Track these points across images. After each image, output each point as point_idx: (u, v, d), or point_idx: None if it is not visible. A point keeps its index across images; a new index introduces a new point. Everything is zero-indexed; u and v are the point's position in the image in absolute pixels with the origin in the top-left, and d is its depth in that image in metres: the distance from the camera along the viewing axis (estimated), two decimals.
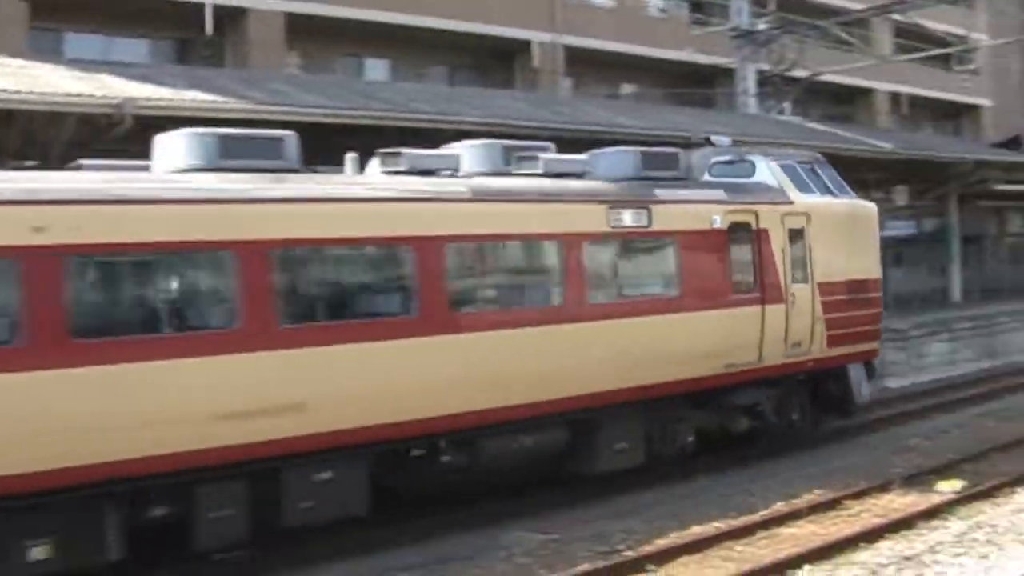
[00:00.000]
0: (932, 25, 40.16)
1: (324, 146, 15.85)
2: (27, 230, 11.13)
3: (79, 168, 13.02)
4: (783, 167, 19.44)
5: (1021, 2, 60.06)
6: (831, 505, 15.14)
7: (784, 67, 37.68)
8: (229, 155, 13.16)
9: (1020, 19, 45.67)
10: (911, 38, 44.26)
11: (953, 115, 64.52)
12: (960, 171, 35.48)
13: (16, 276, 11.07)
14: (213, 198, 12.68)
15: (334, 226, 13.53)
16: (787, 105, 40.00)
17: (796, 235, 18.85)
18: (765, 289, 18.18)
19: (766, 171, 19.23)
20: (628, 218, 16.60)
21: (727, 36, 37.96)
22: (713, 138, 20.74)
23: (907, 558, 12.20)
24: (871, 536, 13.32)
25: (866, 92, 55.61)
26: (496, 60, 41.22)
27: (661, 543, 13.54)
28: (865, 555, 12.53)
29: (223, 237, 12.53)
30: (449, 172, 15.26)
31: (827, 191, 19.88)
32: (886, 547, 12.81)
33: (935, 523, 13.92)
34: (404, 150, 15.00)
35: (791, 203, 18.96)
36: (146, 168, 13.35)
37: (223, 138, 13.34)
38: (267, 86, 20.42)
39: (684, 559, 12.93)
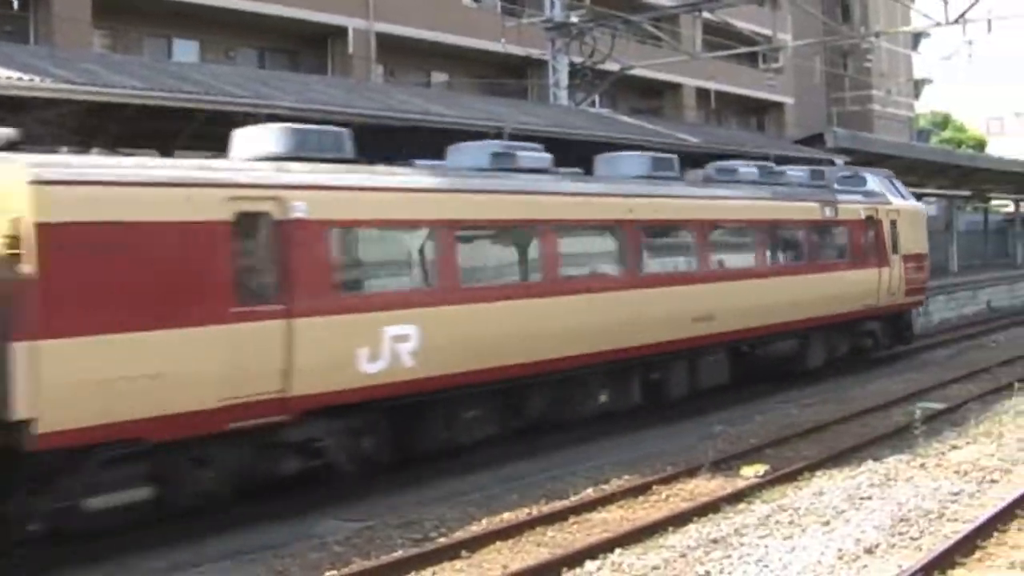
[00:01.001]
0: (740, 24, 41.10)
1: (132, 130, 15.52)
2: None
3: None
4: (880, 180, 29.95)
5: (824, 6, 62.02)
6: (641, 490, 15.38)
7: (595, 60, 38.15)
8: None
9: (823, 21, 47.05)
10: (719, 36, 45.25)
11: (758, 111, 66.34)
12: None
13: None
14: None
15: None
16: (596, 98, 40.59)
17: (892, 224, 28.53)
18: (881, 258, 27.88)
19: (874, 183, 29.46)
20: (828, 212, 26.22)
21: (540, 28, 38.25)
22: (836, 161, 31.73)
23: (714, 541, 12.49)
24: (679, 520, 13.57)
25: (675, 87, 56.80)
26: (308, 45, 40.81)
27: (474, 530, 13.60)
28: (674, 538, 12.77)
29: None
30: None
31: (901, 196, 30.29)
32: (694, 530, 13.07)
33: (741, 506, 14.27)
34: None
35: (889, 203, 28.99)
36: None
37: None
38: (76, 65, 19.78)
39: (497, 545, 12.99)
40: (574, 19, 37.57)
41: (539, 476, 16.59)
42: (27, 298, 11.82)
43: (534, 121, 27.26)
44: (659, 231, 21.11)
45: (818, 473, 16.08)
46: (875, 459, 16.73)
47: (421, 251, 16.45)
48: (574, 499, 14.96)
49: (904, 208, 29.63)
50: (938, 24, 36.93)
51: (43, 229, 11.85)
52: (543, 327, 17.65)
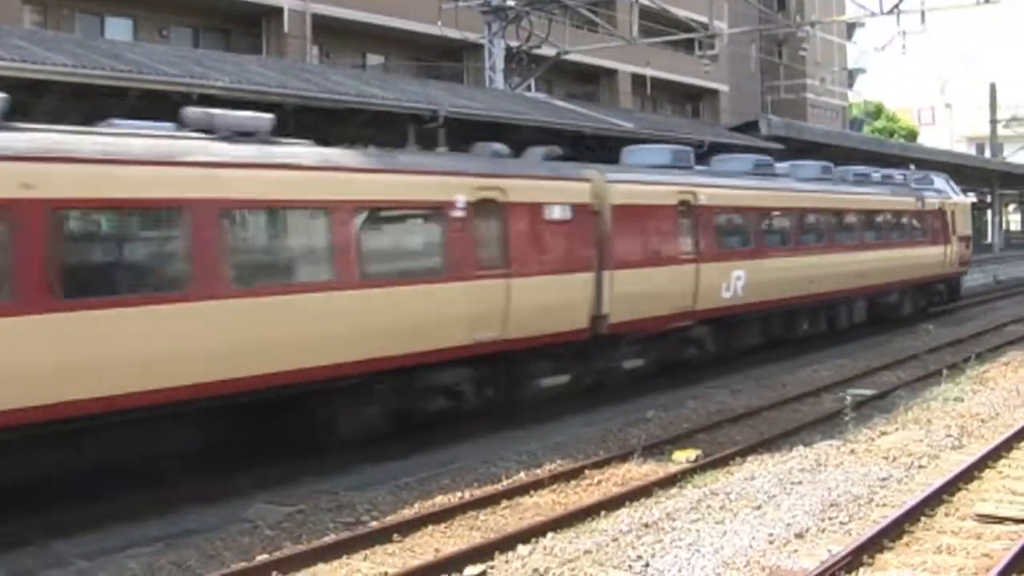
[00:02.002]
0: (677, 11, 41.23)
1: (61, 108, 15.28)
2: None
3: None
4: (943, 180, 40.08)
5: None
6: (573, 475, 15.40)
7: (532, 45, 38.14)
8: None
9: (759, 9, 47.31)
10: (656, 22, 45.37)
11: (693, 98, 66.69)
12: (698, 152, 36.51)
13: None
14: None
15: None
16: (532, 82, 40.55)
17: (952, 214, 38.04)
18: (947, 237, 37.42)
19: (939, 182, 39.47)
20: (919, 204, 35.49)
21: (477, 11, 38.16)
22: (912, 167, 39.32)
23: (646, 525, 12.55)
24: (612, 504, 13.61)
25: (610, 73, 56.96)
26: (243, 25, 40.48)
27: (406, 513, 13.56)
28: (606, 523, 12.81)
29: None
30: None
31: (955, 193, 40.17)
32: (626, 514, 13.11)
33: (673, 491, 14.33)
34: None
35: (950, 198, 38.84)
36: None
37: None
38: (5, 41, 19.45)
39: (429, 529, 12.96)
40: (511, 3, 37.55)
41: (472, 460, 16.55)
42: (608, 247, 20.66)
43: (470, 105, 27.20)
44: (846, 217, 31.07)
45: (750, 458, 16.19)
46: (806, 445, 16.88)
47: (752, 227, 26.13)
48: (506, 483, 14.95)
49: (958, 202, 40.04)
50: (872, 14, 37.32)
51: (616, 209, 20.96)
52: (811, 273, 27.97)
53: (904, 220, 34.48)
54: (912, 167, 39.26)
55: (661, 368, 23.10)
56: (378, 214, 16.83)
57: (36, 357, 12.46)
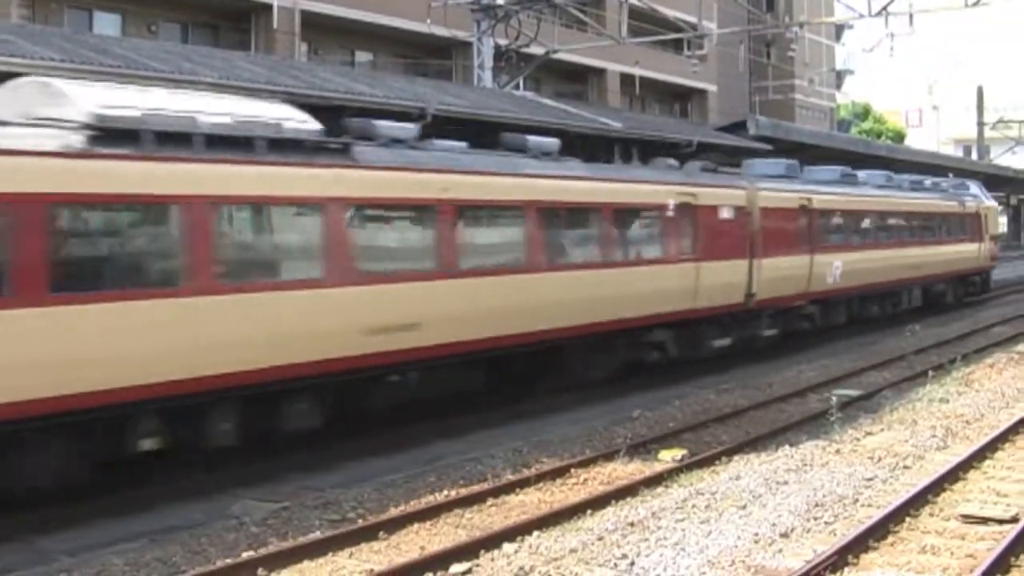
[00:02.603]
0: (666, 11, 41.24)
1: None
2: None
3: None
4: (976, 186, 46.82)
5: None
6: (559, 473, 15.40)
7: (520, 44, 38.11)
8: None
9: (747, 10, 47.36)
10: (645, 21, 45.39)
11: (681, 98, 66.74)
12: (685, 152, 36.57)
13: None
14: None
15: None
16: (520, 81, 40.53)
17: (984, 216, 43.80)
18: (981, 236, 43.10)
19: (974, 188, 46.31)
20: (960, 207, 41.75)
21: (466, 9, 38.13)
22: (951, 176, 46.16)
23: (632, 524, 12.56)
24: (597, 503, 13.61)
25: (599, 72, 56.97)
26: (232, 21, 40.43)
27: (392, 511, 13.54)
28: (592, 521, 12.81)
29: None
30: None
31: (987, 198, 46.26)
32: (612, 513, 13.12)
33: (658, 490, 14.33)
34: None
35: (983, 202, 44.91)
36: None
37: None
38: None
39: (415, 527, 12.96)
40: (500, 1, 37.48)
41: (458, 458, 16.55)
42: (757, 240, 26.16)
43: (458, 103, 27.18)
44: (908, 218, 36.76)
45: (735, 458, 16.21)
46: (792, 444, 16.91)
47: (845, 226, 31.94)
48: (493, 481, 14.95)
49: (990, 205, 46.50)
50: (861, 16, 37.41)
51: (761, 211, 26.82)
52: (884, 265, 33.73)
53: (950, 221, 40.61)
54: (950, 175, 47.03)
55: (784, 337, 28.84)
56: (626, 213, 22.57)
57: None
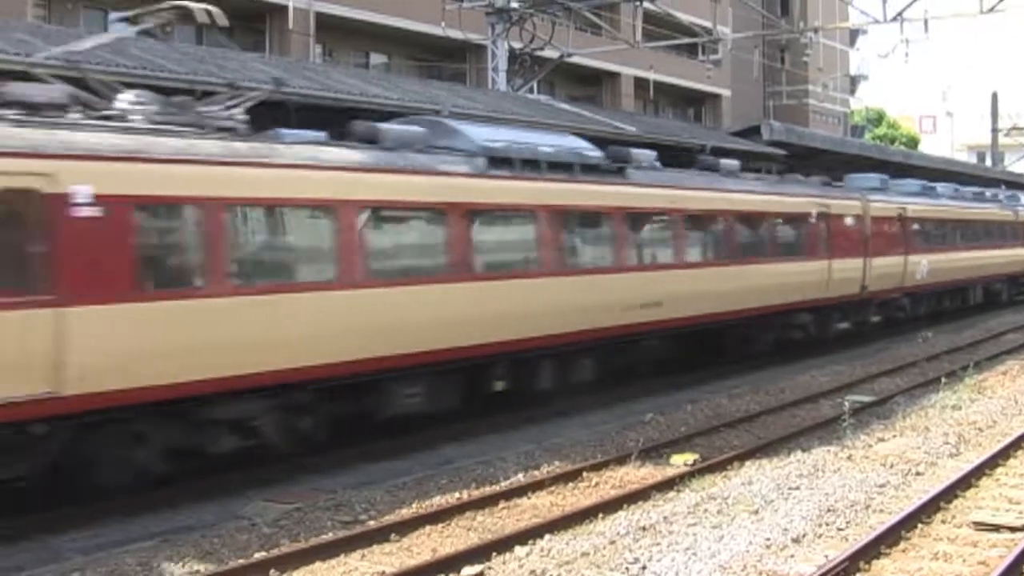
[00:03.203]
0: (681, 15, 41.22)
1: None
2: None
3: None
4: None
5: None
6: (571, 476, 15.41)
7: (535, 47, 38.12)
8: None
9: (762, 15, 47.30)
10: (659, 25, 45.37)
11: (694, 102, 66.68)
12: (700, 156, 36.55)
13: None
14: None
15: None
16: (534, 84, 40.51)
17: None
18: (1020, 240, 46.57)
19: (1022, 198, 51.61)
20: (1013, 215, 46.80)
21: (480, 12, 38.13)
22: (1003, 187, 51.32)
23: (643, 528, 12.57)
24: (609, 507, 13.61)
25: (613, 76, 56.91)
26: (246, 22, 40.42)
27: (404, 513, 13.58)
28: (603, 525, 12.83)
29: None
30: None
31: None
32: (623, 517, 13.12)
33: (670, 495, 14.34)
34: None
35: None
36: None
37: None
38: (8, 34, 19.44)
39: (427, 529, 12.97)
40: (514, 4, 37.47)
41: (469, 461, 16.58)
42: (868, 242, 31.66)
43: (471, 105, 27.19)
44: (975, 225, 41.50)
45: (747, 463, 16.20)
46: (804, 450, 16.91)
47: (930, 231, 36.70)
48: (504, 484, 14.98)
49: None
50: (876, 21, 37.27)
51: (872, 219, 32.49)
52: (958, 266, 38.56)
53: (1005, 228, 45.49)
54: (1003, 186, 52.43)
55: (884, 324, 34.20)
56: (785, 220, 28.12)
57: None
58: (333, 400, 16.15)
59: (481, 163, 18.81)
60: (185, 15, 16.20)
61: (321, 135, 16.96)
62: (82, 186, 12.90)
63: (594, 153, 21.94)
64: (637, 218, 22.53)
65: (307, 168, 15.66)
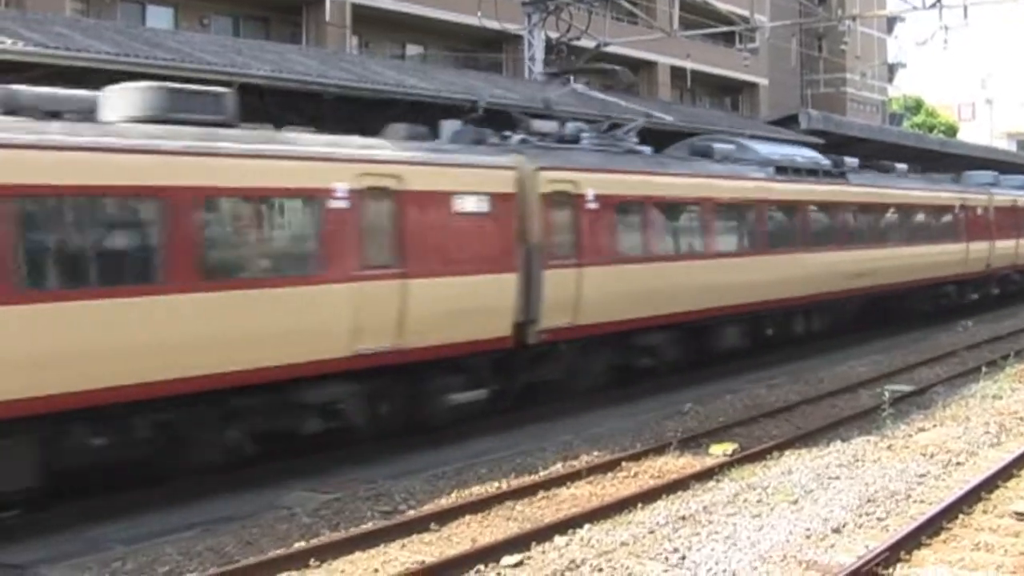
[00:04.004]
0: (717, 4, 41.04)
1: None
2: None
3: None
4: None
5: None
6: (610, 466, 15.41)
7: (571, 37, 38.02)
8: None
9: (799, 3, 47.09)
10: (696, 14, 45.21)
11: (731, 91, 66.36)
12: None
13: None
14: None
15: None
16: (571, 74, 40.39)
17: None
18: None
19: None
20: None
21: (517, 2, 38.07)
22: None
23: (683, 518, 12.55)
24: (648, 496, 13.60)
25: (650, 65, 56.69)
26: (283, 14, 40.57)
27: (443, 503, 13.62)
28: (643, 515, 12.82)
29: None
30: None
31: None
32: (663, 507, 13.12)
33: (709, 484, 14.31)
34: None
35: None
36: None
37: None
38: (48, 28, 19.57)
39: (466, 518, 13.00)
40: None
41: (508, 451, 16.60)
42: (992, 228, 38.48)
43: (509, 95, 27.16)
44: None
45: (786, 453, 16.14)
46: (843, 440, 16.82)
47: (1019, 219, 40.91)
48: (543, 474, 14.99)
49: None
50: (914, 8, 36.95)
51: (995, 209, 39.55)
52: None
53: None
54: None
55: (1000, 296, 40.09)
56: (941, 211, 35.07)
57: None
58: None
59: (771, 171, 26.09)
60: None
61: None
62: (592, 190, 19.91)
63: (825, 161, 29.33)
64: (858, 209, 29.68)
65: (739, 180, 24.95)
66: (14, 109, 12.82)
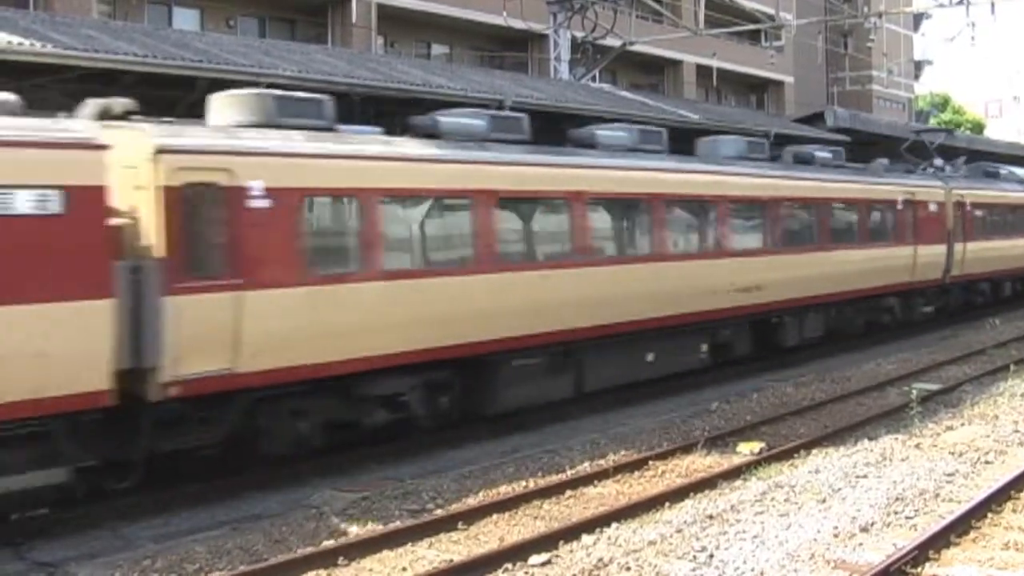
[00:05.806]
0: (743, 2, 40.94)
1: (131, 97, 15.40)
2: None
3: None
4: None
5: None
6: (637, 465, 15.42)
7: (597, 36, 38.03)
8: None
9: (825, 0, 47.00)
10: (721, 12, 45.11)
11: (757, 89, 66.20)
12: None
13: None
14: None
15: None
16: (597, 73, 40.41)
17: None
18: None
19: None
20: None
21: (542, 1, 38.11)
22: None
23: (711, 516, 12.55)
24: (675, 495, 13.61)
25: (675, 63, 56.62)
26: (309, 14, 40.67)
27: (471, 502, 13.66)
28: (670, 514, 12.82)
29: None
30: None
31: None
32: (690, 506, 13.12)
33: (737, 483, 14.30)
34: None
35: None
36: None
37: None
38: (77, 31, 19.70)
39: (494, 517, 13.05)
40: None
41: (535, 450, 16.64)
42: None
43: (535, 95, 27.20)
44: None
45: (814, 451, 16.10)
46: (871, 438, 16.77)
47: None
48: (570, 473, 15.01)
49: None
50: (941, 5, 36.85)
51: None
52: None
53: None
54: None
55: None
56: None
57: None
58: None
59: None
60: None
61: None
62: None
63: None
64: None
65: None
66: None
